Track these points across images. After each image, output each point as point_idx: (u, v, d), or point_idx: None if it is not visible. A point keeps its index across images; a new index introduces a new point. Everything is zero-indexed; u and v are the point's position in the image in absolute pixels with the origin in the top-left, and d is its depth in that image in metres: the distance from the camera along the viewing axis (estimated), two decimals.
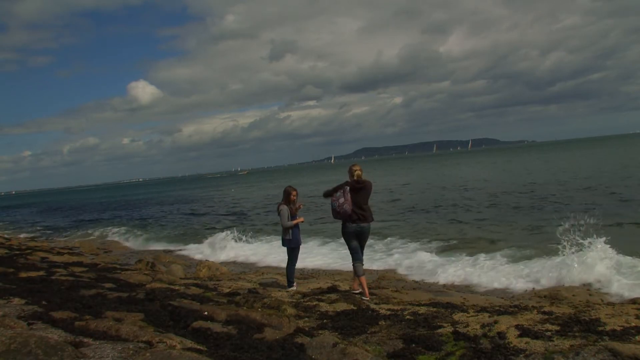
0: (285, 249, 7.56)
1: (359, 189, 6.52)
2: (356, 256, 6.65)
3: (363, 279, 6.67)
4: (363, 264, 6.77)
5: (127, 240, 17.48)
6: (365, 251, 7.00)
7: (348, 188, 6.49)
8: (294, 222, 7.39)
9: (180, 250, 14.11)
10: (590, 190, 19.36)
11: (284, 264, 7.62)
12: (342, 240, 6.91)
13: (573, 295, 6.38)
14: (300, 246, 7.65)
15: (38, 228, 27.06)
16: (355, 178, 6.52)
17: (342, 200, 6.42)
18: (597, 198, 16.92)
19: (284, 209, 7.38)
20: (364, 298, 6.49)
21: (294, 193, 7.56)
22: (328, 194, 6.66)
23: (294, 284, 7.60)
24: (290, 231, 7.41)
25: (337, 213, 6.49)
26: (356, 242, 6.65)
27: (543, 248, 9.09)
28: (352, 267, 6.79)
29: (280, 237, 7.65)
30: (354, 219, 6.50)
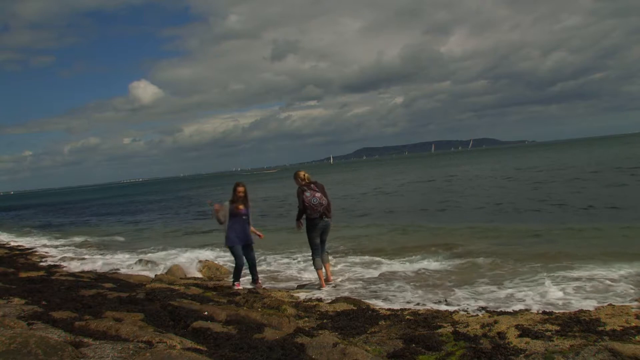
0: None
1: (315, 186, 7.31)
2: (318, 252, 7.44)
3: (328, 265, 7.63)
4: (327, 252, 7.71)
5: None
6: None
7: (313, 185, 7.30)
8: (217, 211, 7.30)
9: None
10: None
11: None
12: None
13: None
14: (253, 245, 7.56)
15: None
16: (307, 181, 7.35)
17: (318, 194, 7.23)
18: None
19: (226, 205, 7.34)
20: (322, 288, 7.28)
21: (240, 190, 7.39)
22: (300, 209, 7.34)
23: (235, 284, 7.43)
24: (227, 229, 7.31)
25: (320, 205, 7.21)
26: (319, 240, 7.42)
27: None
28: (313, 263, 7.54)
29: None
30: (322, 215, 7.28)
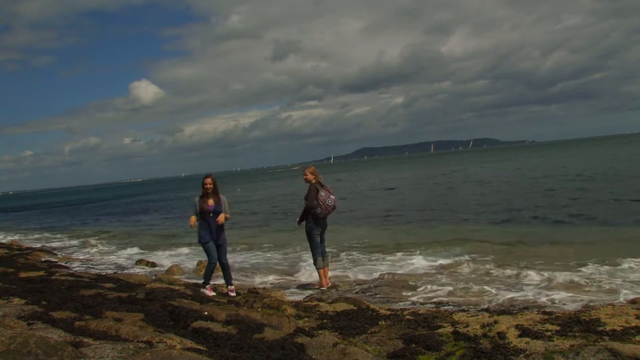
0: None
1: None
2: (319, 251, 7.41)
3: (327, 269, 7.57)
4: (327, 256, 7.68)
5: None
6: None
7: (327, 186, 7.42)
8: (192, 219, 6.66)
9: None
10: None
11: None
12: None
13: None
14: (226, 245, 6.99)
15: None
16: (319, 179, 7.38)
17: (333, 197, 7.33)
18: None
19: (195, 200, 6.80)
20: (322, 288, 7.29)
21: (207, 181, 6.74)
22: (310, 207, 7.28)
23: (206, 287, 6.82)
24: (198, 226, 6.74)
25: (332, 208, 7.33)
26: (319, 237, 7.44)
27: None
28: (314, 264, 7.53)
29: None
30: (324, 215, 7.33)
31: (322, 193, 7.23)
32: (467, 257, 9.33)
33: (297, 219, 7.66)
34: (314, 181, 7.35)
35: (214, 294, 6.80)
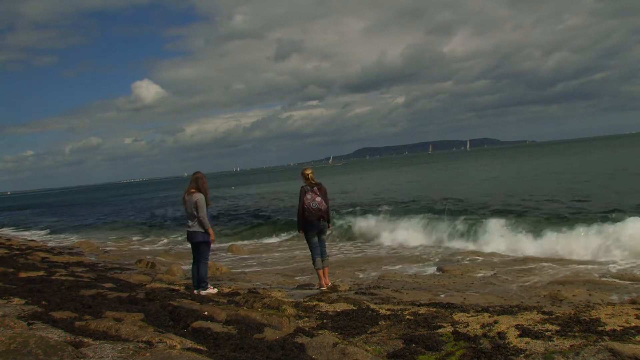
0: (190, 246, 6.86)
1: (318, 189, 7.18)
2: (317, 251, 7.27)
3: (326, 270, 7.40)
4: (327, 257, 7.52)
5: None
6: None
7: (316, 188, 7.17)
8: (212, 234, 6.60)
9: None
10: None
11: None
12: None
13: (573, 295, 6.38)
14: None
15: None
16: (311, 181, 7.19)
17: (318, 199, 7.12)
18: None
19: (202, 198, 6.53)
20: (322, 288, 7.16)
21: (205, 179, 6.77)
22: (299, 211, 7.13)
23: (208, 286, 6.86)
24: (209, 223, 6.69)
25: (318, 210, 7.08)
26: (317, 239, 7.29)
27: None
28: (313, 263, 7.36)
29: (186, 231, 6.80)
30: (318, 217, 7.13)
31: (308, 196, 7.14)
32: (467, 257, 9.33)
33: (298, 227, 7.50)
34: (305, 183, 7.30)
35: (215, 290, 6.86)
